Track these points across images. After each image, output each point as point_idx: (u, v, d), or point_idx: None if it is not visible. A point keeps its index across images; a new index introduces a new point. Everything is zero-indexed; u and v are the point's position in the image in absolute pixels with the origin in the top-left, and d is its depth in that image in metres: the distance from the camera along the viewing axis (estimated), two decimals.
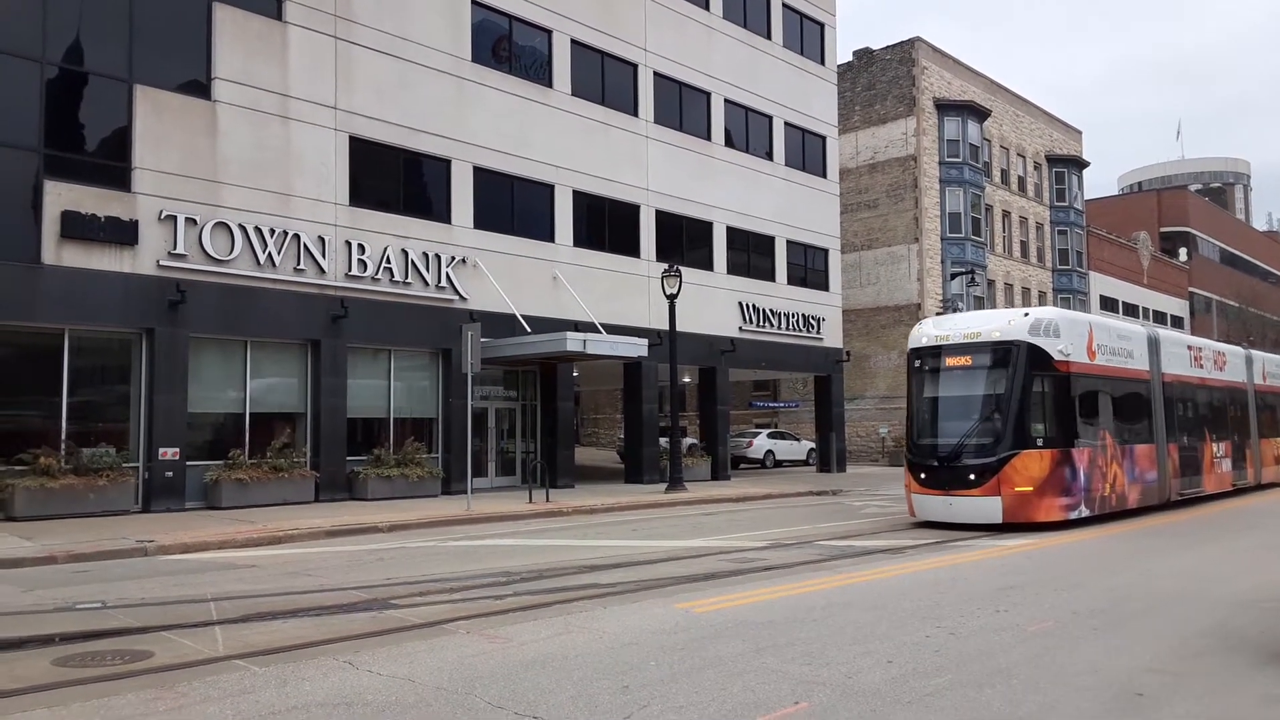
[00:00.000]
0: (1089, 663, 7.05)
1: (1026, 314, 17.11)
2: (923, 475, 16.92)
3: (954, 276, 42.94)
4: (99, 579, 11.12)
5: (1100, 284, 55.53)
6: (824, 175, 35.58)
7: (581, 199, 26.75)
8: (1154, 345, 20.65)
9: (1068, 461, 16.67)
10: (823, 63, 35.87)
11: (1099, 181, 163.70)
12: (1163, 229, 69.49)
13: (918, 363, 17.68)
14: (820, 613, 8.89)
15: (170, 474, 18.49)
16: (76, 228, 17.59)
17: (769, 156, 33.16)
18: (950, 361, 17.09)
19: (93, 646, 7.62)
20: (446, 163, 23.64)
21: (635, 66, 28.59)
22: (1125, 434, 18.88)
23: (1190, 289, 67.65)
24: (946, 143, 44.24)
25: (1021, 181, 50.49)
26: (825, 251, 35.40)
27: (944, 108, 44.26)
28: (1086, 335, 17.93)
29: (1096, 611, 9.00)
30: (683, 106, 30.07)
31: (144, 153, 18.59)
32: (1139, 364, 19.77)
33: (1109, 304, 55.51)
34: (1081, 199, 54.39)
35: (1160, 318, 61.60)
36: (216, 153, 19.55)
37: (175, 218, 18.76)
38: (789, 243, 33.58)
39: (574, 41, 26.79)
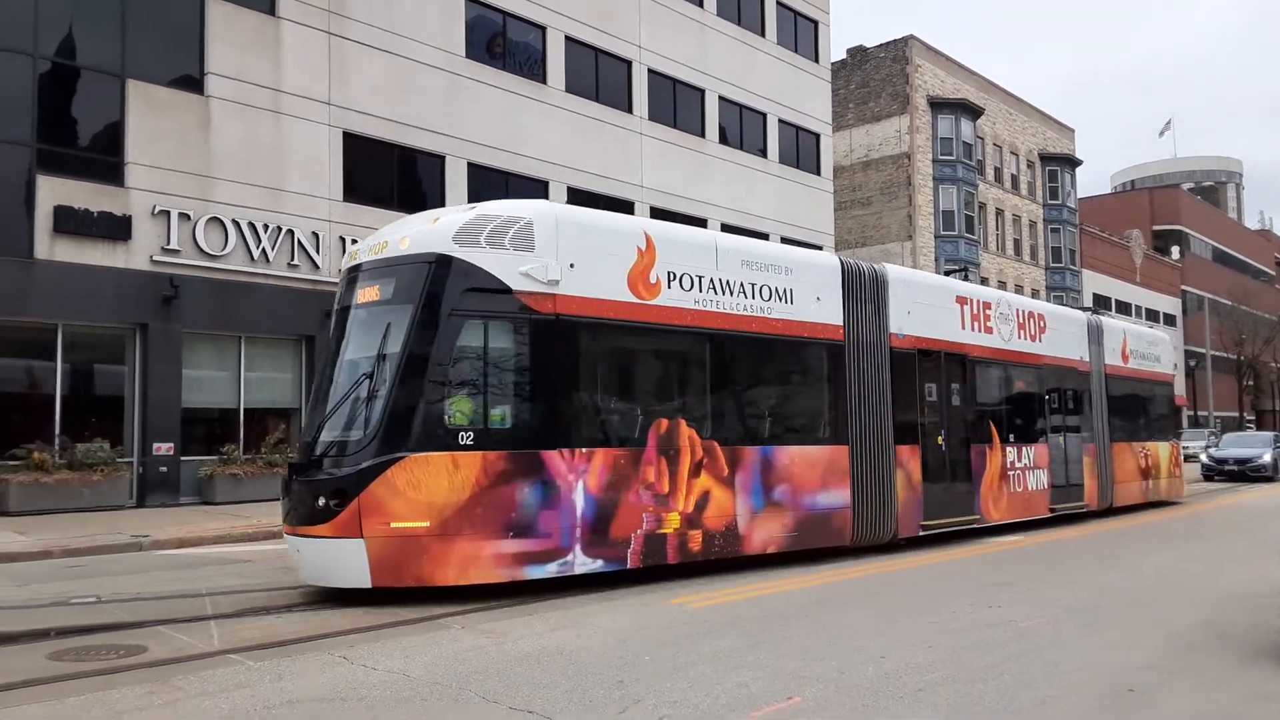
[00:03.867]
0: None
1: (472, 208, 9.93)
2: (283, 500, 10.01)
3: (948, 274, 43.03)
4: (94, 574, 11.10)
5: (1093, 282, 55.70)
6: (818, 173, 35.62)
7: (576, 196, 26.73)
8: (878, 287, 13.18)
9: (534, 473, 9.33)
10: (817, 60, 35.91)
11: (1091, 180, 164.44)
12: (1155, 227, 69.77)
13: (335, 302, 10.57)
14: (815, 608, 8.94)
15: (165, 469, 18.48)
16: (69, 223, 17.58)
17: (763, 154, 33.19)
18: (356, 297, 9.98)
19: (87, 641, 7.62)
20: (441, 159, 23.63)
21: (630, 64, 28.58)
22: (745, 423, 11.42)
23: (1183, 287, 67.91)
24: (940, 140, 44.29)
25: (1014, 179, 50.60)
26: (820, 249, 35.42)
27: (937, 105, 44.32)
28: (636, 252, 10.33)
29: None
30: (677, 104, 30.08)
31: (137, 148, 18.56)
32: (817, 314, 12.19)
33: (1102, 301, 55.65)
34: (1074, 197, 54.53)
35: (1153, 315, 61.83)
36: (209, 148, 19.51)
37: (168, 213, 18.73)
38: (784, 240, 33.59)
39: (568, 38, 26.77)
